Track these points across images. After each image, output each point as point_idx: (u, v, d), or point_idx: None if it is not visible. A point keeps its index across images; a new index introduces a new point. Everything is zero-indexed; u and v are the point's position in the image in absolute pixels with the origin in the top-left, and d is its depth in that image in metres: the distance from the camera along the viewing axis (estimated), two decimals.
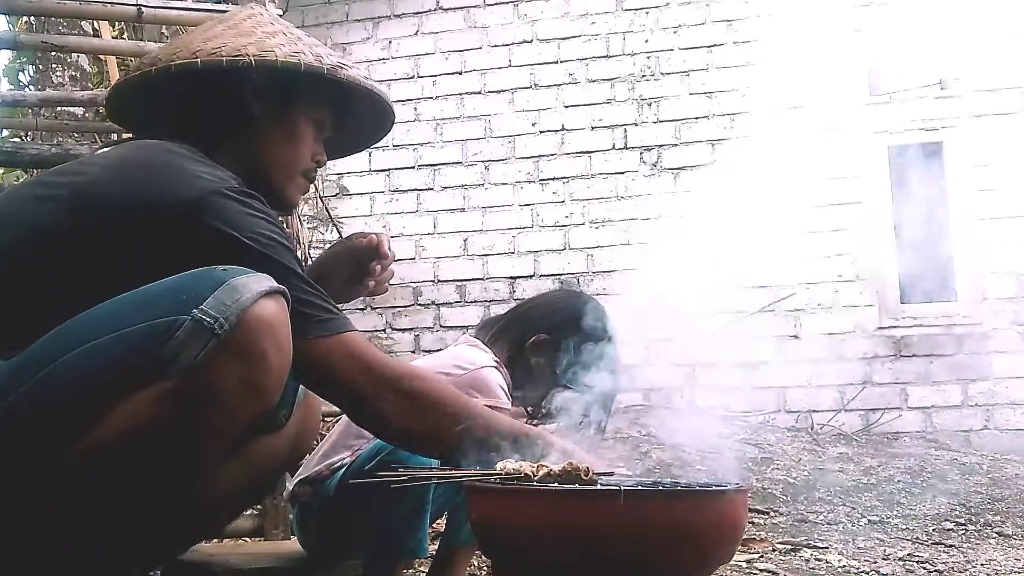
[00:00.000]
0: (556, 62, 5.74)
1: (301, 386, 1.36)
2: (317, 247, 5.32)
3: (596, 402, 1.70)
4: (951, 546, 2.90)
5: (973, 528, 3.22)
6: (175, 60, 1.28)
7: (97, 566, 1.11)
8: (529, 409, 1.81)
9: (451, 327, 5.59)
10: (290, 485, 1.75)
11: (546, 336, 1.82)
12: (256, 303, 1.03)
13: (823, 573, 2.42)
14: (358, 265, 1.54)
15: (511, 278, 5.60)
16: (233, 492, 1.30)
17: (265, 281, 1.07)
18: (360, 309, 5.64)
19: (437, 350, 4.05)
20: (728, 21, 5.56)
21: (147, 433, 1.01)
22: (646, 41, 5.66)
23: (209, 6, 2.49)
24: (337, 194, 5.78)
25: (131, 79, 1.32)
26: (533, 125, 5.73)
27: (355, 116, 1.48)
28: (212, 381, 1.01)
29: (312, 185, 1.48)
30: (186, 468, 1.07)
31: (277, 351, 1.06)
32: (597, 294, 5.52)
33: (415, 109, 5.87)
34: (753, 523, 3.09)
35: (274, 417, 1.30)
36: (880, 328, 5.18)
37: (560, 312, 1.86)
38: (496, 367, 1.76)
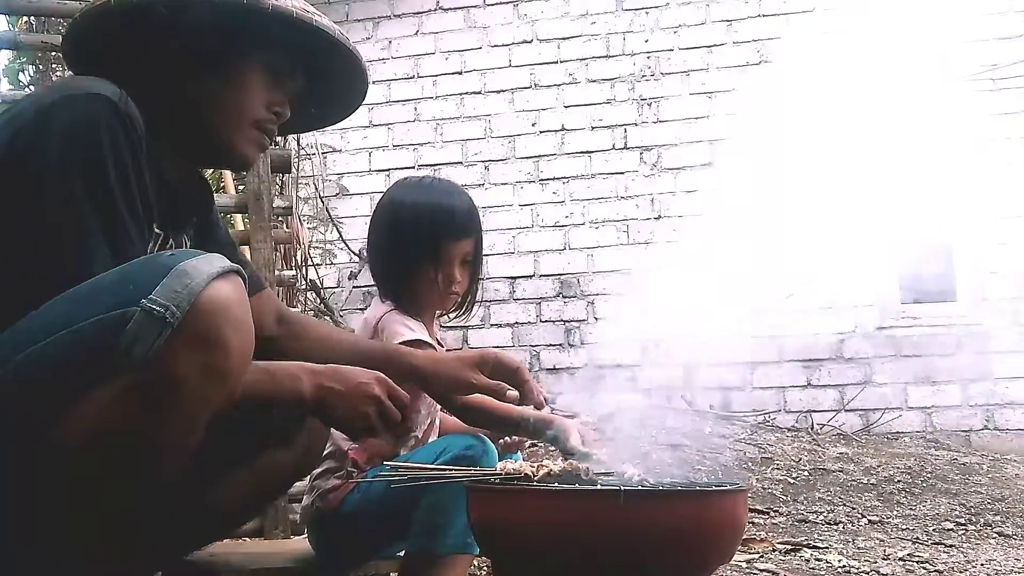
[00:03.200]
0: (556, 62, 5.75)
1: None
2: (317, 247, 5.33)
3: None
4: (951, 546, 2.90)
5: (973, 528, 3.22)
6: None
7: (92, 567, 1.10)
8: (451, 316, 1.89)
9: (451, 327, 5.59)
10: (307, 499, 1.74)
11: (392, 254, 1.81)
12: (208, 286, 0.99)
13: (823, 573, 2.42)
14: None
15: (511, 278, 5.60)
16: (242, 501, 1.30)
17: (217, 262, 1.02)
18: (360, 309, 5.65)
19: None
20: (728, 21, 5.56)
21: (114, 430, 0.98)
22: (646, 41, 5.66)
23: None
24: (337, 194, 5.78)
25: (77, 21, 1.24)
26: (533, 125, 5.73)
27: (323, 71, 1.35)
28: (172, 371, 0.98)
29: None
30: (159, 460, 1.04)
31: (236, 333, 1.02)
32: (597, 294, 5.54)
33: (415, 109, 5.87)
34: (753, 523, 3.09)
35: (284, 431, 1.29)
36: (880, 328, 5.19)
37: (380, 226, 1.84)
38: (390, 311, 1.76)
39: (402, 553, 1.66)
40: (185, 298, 0.97)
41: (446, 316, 1.93)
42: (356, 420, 1.25)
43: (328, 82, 1.38)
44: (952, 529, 3.19)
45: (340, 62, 1.35)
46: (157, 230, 1.19)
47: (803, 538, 2.92)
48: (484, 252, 1.93)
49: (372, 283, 1.90)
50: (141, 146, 1.12)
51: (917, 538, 3.02)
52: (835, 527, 3.17)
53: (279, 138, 3.71)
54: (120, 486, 1.02)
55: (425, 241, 1.77)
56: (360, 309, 5.63)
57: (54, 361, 0.98)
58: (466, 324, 5.53)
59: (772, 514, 3.31)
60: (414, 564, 1.59)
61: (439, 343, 1.90)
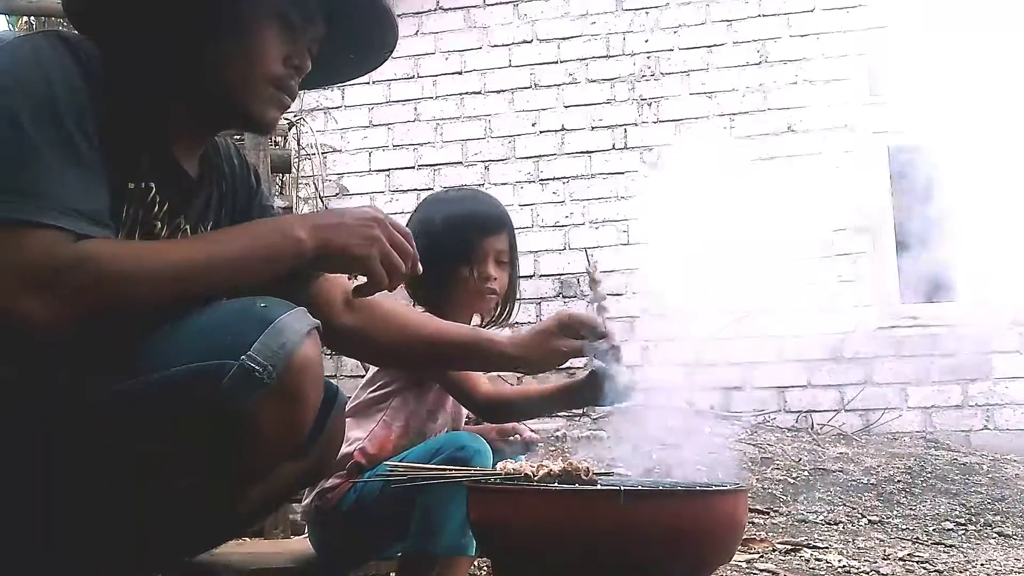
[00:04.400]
0: (556, 62, 5.75)
1: (331, 414, 1.34)
2: None
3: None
4: (951, 546, 2.90)
5: (973, 528, 3.22)
6: None
7: (111, 568, 1.12)
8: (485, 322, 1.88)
9: None
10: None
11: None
12: (301, 344, 1.03)
13: (823, 573, 2.42)
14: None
15: None
16: (253, 507, 1.30)
17: (305, 318, 1.06)
18: None
19: None
20: (728, 21, 5.56)
21: (185, 456, 1.03)
22: (646, 41, 5.66)
23: None
24: (337, 194, 5.78)
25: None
26: (533, 125, 5.73)
27: (346, 23, 1.24)
28: (256, 424, 1.02)
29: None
30: (219, 496, 1.10)
31: (315, 390, 1.07)
32: None
33: (415, 109, 5.87)
34: (753, 523, 3.09)
35: (303, 447, 1.30)
36: (880, 328, 5.19)
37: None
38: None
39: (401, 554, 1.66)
40: (282, 358, 1.01)
41: (484, 322, 1.92)
42: (358, 266, 1.15)
43: (351, 27, 1.26)
44: (952, 529, 3.19)
45: (361, 4, 1.23)
46: (144, 185, 1.12)
47: (803, 538, 2.92)
48: None
49: (407, 290, 1.89)
50: (100, 90, 1.04)
51: (917, 538, 3.02)
52: (835, 527, 3.17)
53: (280, 139, 3.71)
54: (178, 515, 1.07)
55: (457, 241, 1.79)
56: None
57: (147, 402, 1.00)
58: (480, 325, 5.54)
59: (772, 514, 3.31)
60: (411, 565, 1.59)
61: None
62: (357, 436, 1.69)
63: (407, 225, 1.82)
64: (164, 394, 1.01)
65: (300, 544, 1.85)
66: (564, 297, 5.57)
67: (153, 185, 1.13)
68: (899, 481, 3.90)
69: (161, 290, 1.01)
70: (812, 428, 5.05)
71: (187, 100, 1.17)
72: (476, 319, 1.89)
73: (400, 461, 1.52)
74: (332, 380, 1.27)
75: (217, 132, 1.29)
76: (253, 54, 1.14)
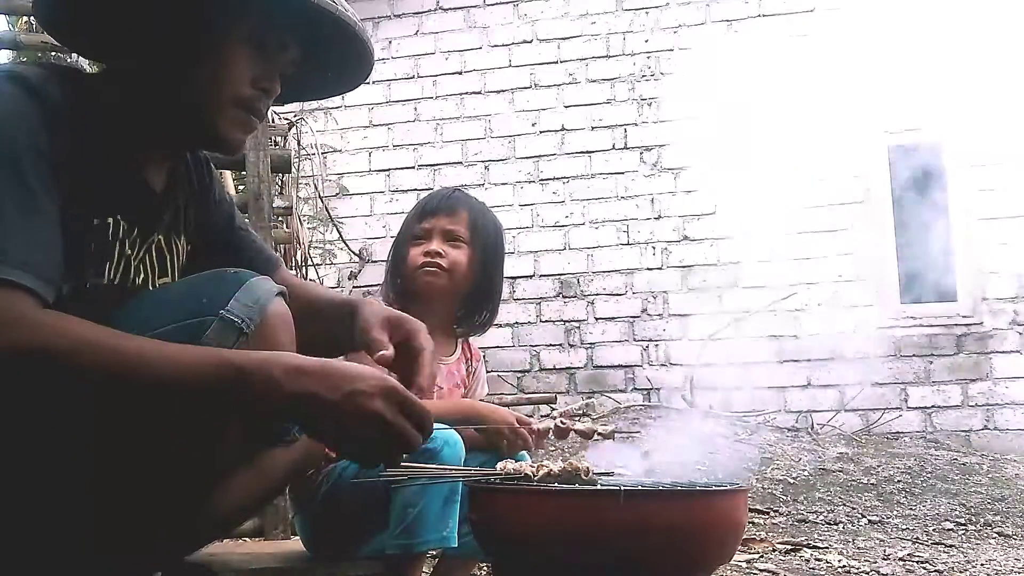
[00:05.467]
0: (556, 62, 5.75)
1: None
2: (317, 247, 5.33)
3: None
4: (951, 546, 2.90)
5: (973, 528, 3.22)
6: None
7: (109, 564, 1.12)
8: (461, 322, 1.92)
9: None
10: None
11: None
12: (272, 301, 1.10)
13: (823, 573, 2.42)
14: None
15: (511, 278, 5.59)
16: (244, 500, 1.30)
17: (272, 283, 1.13)
18: None
19: None
20: (728, 21, 5.57)
21: (176, 426, 1.04)
22: (646, 41, 5.66)
23: None
24: (337, 194, 5.78)
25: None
26: (533, 125, 5.73)
27: (325, 45, 1.22)
28: None
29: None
30: (209, 460, 1.11)
31: (290, 343, 1.12)
32: (597, 294, 5.54)
33: (415, 109, 5.87)
34: (753, 523, 3.09)
35: (289, 434, 1.29)
36: (880, 328, 5.19)
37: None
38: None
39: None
40: (257, 311, 1.07)
41: (462, 329, 1.92)
42: (351, 443, 1.04)
43: (327, 50, 1.24)
44: (952, 529, 3.19)
45: (336, 30, 1.19)
46: (108, 220, 1.12)
47: (803, 538, 2.92)
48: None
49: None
50: (62, 129, 1.04)
51: (917, 538, 3.02)
52: (835, 527, 3.17)
53: (280, 139, 3.71)
54: (172, 479, 1.08)
55: (404, 228, 1.89)
56: None
57: None
58: None
59: (772, 514, 3.31)
60: (398, 565, 1.58)
61: (465, 359, 1.90)
62: None
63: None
64: None
65: (299, 544, 1.85)
66: (564, 297, 5.57)
67: (120, 218, 1.13)
68: (899, 481, 3.90)
69: (96, 378, 0.96)
70: (812, 428, 5.05)
71: (156, 119, 1.17)
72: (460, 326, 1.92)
73: None
74: None
75: (185, 151, 1.29)
76: (222, 75, 1.14)
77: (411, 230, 1.86)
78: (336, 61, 1.27)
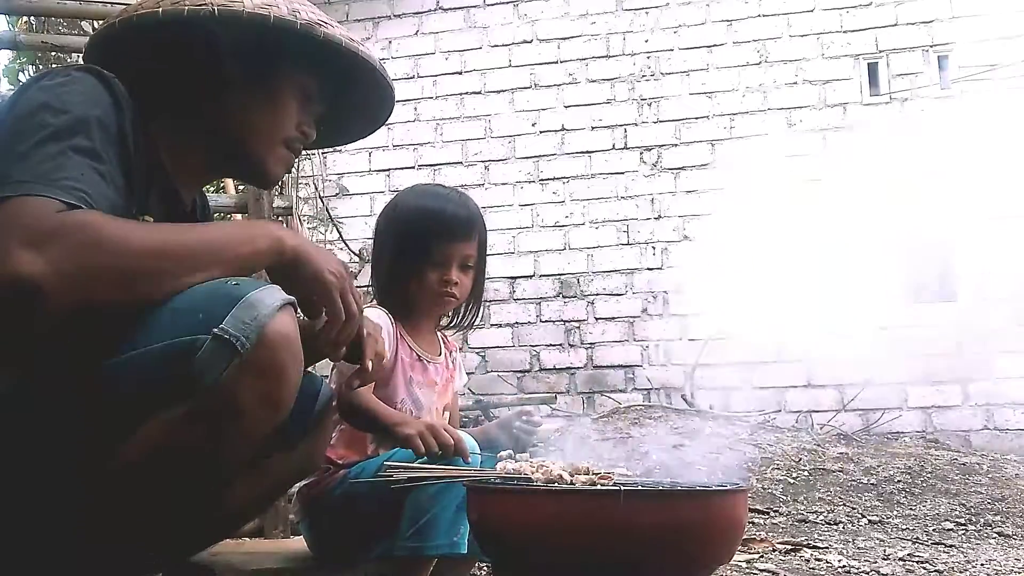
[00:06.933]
0: (556, 62, 5.75)
1: (316, 407, 1.35)
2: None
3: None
4: (951, 546, 2.90)
5: (973, 528, 3.23)
6: (139, 11, 1.20)
7: (112, 568, 1.12)
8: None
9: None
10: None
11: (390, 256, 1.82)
12: (273, 318, 1.04)
13: (823, 573, 2.42)
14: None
15: (511, 278, 5.60)
16: (246, 502, 1.31)
17: (277, 293, 1.07)
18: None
19: None
20: (728, 21, 5.57)
21: (172, 448, 1.03)
22: (646, 41, 5.66)
23: None
24: (337, 194, 5.78)
25: (98, 35, 1.26)
26: (533, 125, 5.73)
27: (352, 93, 1.39)
28: (233, 398, 1.03)
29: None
30: (206, 479, 1.10)
31: (294, 364, 1.08)
32: (597, 294, 5.54)
33: (415, 109, 5.87)
34: (753, 523, 3.09)
35: (289, 438, 1.29)
36: (880, 328, 5.18)
37: (378, 231, 1.86)
38: (369, 306, 1.75)
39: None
40: (254, 329, 1.02)
41: (447, 322, 1.92)
42: (322, 288, 1.17)
43: (351, 102, 1.41)
44: (952, 529, 3.19)
45: (370, 86, 1.38)
46: (146, 217, 1.19)
47: (803, 538, 2.92)
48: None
49: (372, 283, 1.91)
50: (126, 121, 1.12)
51: (917, 538, 3.02)
52: (835, 527, 3.17)
53: None
54: (163, 497, 1.07)
55: (418, 243, 1.78)
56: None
57: (128, 381, 1.02)
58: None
59: (772, 514, 3.31)
60: (405, 567, 1.59)
61: (447, 352, 1.90)
62: None
63: (378, 217, 1.86)
64: (138, 374, 1.02)
65: (300, 544, 1.85)
66: (564, 297, 5.57)
67: (154, 218, 1.20)
68: (899, 481, 3.90)
69: (148, 260, 1.02)
70: (812, 428, 5.05)
71: (205, 146, 1.28)
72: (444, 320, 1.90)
73: (395, 460, 1.52)
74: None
75: (220, 178, 1.39)
76: (279, 119, 1.30)
77: (428, 250, 1.77)
78: (360, 103, 1.43)
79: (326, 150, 5.65)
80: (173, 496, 1.08)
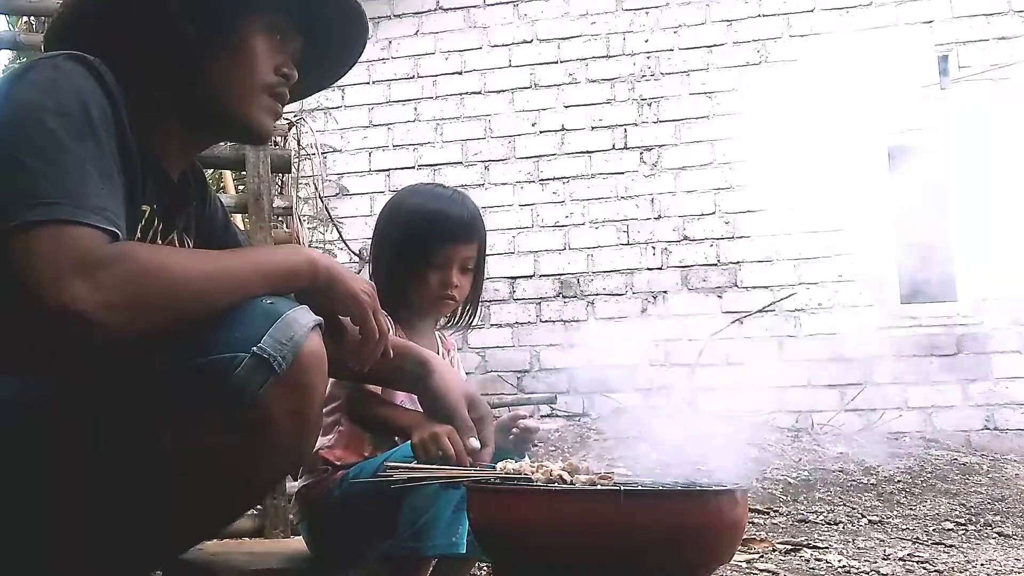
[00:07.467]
0: (556, 62, 5.75)
1: None
2: (317, 247, 5.33)
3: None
4: (951, 546, 2.90)
5: (973, 528, 3.22)
6: None
7: (113, 567, 1.13)
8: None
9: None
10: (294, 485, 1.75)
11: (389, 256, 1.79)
12: (307, 338, 1.06)
13: (823, 573, 2.42)
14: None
15: (511, 278, 5.60)
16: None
17: (308, 314, 1.09)
18: None
19: None
20: (728, 21, 5.57)
21: (203, 461, 1.05)
22: (646, 41, 5.66)
23: None
24: (337, 194, 5.78)
25: (52, 28, 1.22)
26: (533, 125, 5.73)
27: (323, 26, 1.29)
28: (268, 415, 1.04)
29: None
30: (229, 490, 1.11)
31: (322, 384, 1.10)
32: (597, 294, 5.54)
33: (415, 109, 5.87)
34: (753, 523, 3.09)
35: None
36: (880, 328, 5.19)
37: (376, 231, 1.83)
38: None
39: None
40: (290, 350, 1.04)
41: (445, 322, 1.92)
42: (358, 307, 1.20)
43: (325, 37, 1.31)
44: (952, 529, 3.19)
45: (337, 13, 1.29)
46: (143, 207, 1.17)
47: (803, 538, 2.92)
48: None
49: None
50: (119, 111, 1.09)
51: (917, 538, 3.02)
52: (835, 527, 3.17)
53: (280, 139, 3.71)
54: (184, 503, 1.08)
55: (419, 245, 1.76)
56: None
57: (158, 399, 1.03)
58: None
59: (772, 514, 3.31)
60: (403, 567, 1.59)
61: (445, 352, 1.90)
62: (323, 444, 1.69)
63: (377, 218, 1.83)
64: (175, 390, 1.02)
65: (299, 544, 1.85)
66: (564, 297, 5.57)
67: (155, 207, 1.19)
68: (899, 481, 3.90)
69: (192, 287, 1.04)
70: (812, 428, 5.05)
71: (184, 115, 1.22)
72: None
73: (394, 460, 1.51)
74: None
75: (210, 146, 1.34)
76: (249, 65, 1.20)
77: (428, 252, 1.75)
78: (335, 41, 1.34)
79: (326, 150, 5.65)
80: (197, 506, 1.09)
